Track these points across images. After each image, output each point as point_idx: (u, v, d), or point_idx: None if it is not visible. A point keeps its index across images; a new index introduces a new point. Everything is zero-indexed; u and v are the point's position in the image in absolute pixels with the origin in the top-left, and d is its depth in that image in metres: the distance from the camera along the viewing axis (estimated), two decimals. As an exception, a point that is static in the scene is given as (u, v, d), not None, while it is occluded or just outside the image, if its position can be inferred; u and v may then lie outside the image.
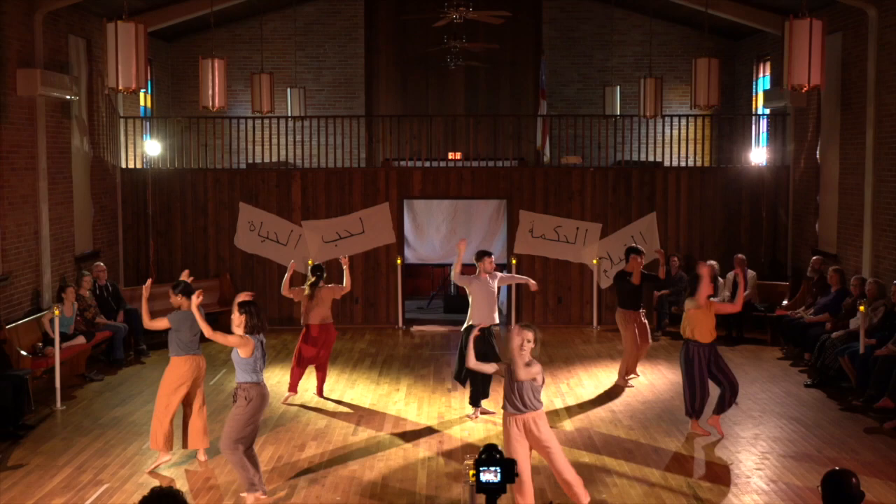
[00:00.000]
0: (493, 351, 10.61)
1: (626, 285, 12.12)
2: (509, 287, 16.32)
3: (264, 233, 16.30)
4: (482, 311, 10.59)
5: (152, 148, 16.89)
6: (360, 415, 10.85)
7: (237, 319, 7.96)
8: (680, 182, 16.47)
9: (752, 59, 18.47)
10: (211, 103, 12.94)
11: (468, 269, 11.05)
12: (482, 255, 10.77)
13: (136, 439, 9.82)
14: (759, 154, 17.22)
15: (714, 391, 9.91)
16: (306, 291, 11.40)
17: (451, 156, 17.83)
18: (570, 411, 10.95)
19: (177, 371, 9.01)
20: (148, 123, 17.55)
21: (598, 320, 16.16)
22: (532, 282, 11.29)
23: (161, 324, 9.22)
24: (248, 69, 18.23)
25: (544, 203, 16.35)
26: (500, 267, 16.61)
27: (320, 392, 11.64)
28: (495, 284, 10.74)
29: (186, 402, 9.14)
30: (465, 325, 10.73)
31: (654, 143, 17.50)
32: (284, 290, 11.41)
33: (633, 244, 13.66)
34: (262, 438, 9.84)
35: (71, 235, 14.15)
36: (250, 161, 18.01)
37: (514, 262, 16.16)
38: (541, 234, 16.28)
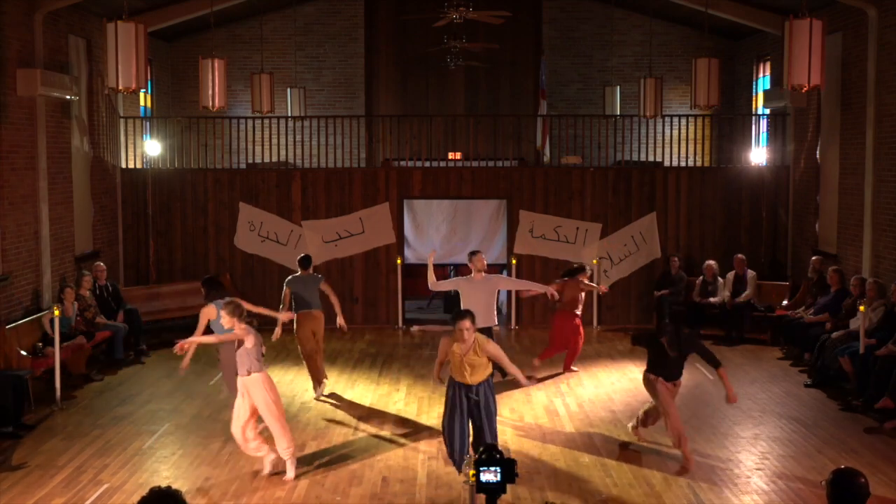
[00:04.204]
0: None
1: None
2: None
3: (264, 233, 16.30)
4: (477, 311, 10.49)
5: (152, 148, 16.89)
6: (360, 415, 10.85)
7: (228, 320, 8.50)
8: (680, 182, 16.47)
9: (752, 59, 18.47)
10: (211, 103, 12.94)
11: (465, 270, 11.07)
12: (472, 253, 10.88)
13: (136, 439, 9.82)
14: (759, 154, 17.22)
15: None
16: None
17: (451, 156, 17.82)
18: (570, 411, 10.95)
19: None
20: (148, 123, 17.54)
21: (598, 320, 16.15)
22: (551, 290, 11.17)
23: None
24: (248, 69, 18.22)
25: (544, 203, 16.34)
26: (500, 267, 16.68)
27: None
28: (490, 284, 10.75)
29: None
30: None
31: (654, 143, 17.49)
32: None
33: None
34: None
35: (71, 235, 14.14)
36: (250, 161, 18.00)
37: (514, 262, 16.16)
38: (541, 234, 16.28)
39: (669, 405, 9.07)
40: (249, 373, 8.53)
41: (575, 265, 13.46)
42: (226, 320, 8.56)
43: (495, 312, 10.77)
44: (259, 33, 18.21)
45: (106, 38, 10.07)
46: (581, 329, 12.86)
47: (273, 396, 8.66)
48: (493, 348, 8.40)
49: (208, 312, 9.89)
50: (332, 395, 11.71)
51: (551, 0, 19.73)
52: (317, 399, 11.54)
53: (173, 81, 19.43)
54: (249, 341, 8.48)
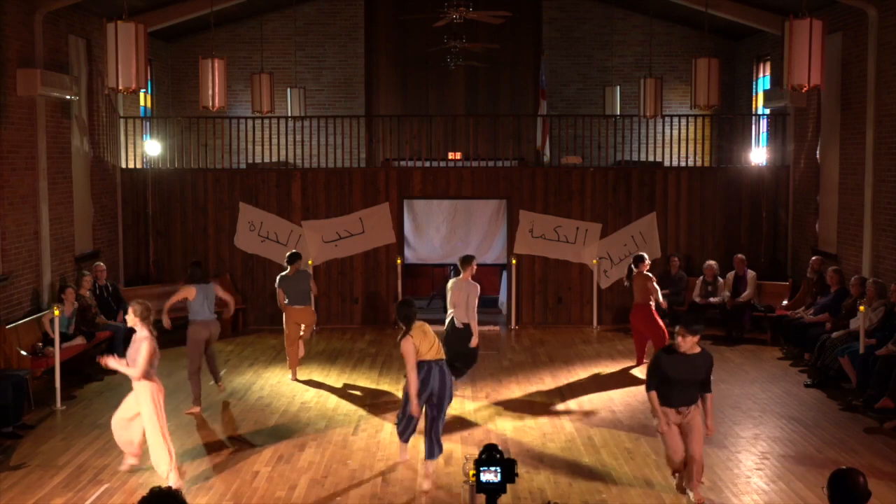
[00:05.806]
0: (467, 347, 11.44)
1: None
2: (508, 286, 16.34)
3: (264, 233, 16.30)
4: (459, 307, 11.44)
5: (152, 148, 16.89)
6: (360, 415, 10.85)
7: (134, 320, 8.53)
8: (680, 182, 16.47)
9: (752, 59, 18.47)
10: (211, 103, 12.93)
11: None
12: (469, 259, 11.52)
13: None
14: (759, 154, 17.23)
15: None
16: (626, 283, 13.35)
17: (451, 156, 17.82)
18: (570, 411, 10.95)
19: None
20: (148, 123, 17.55)
21: (598, 320, 16.15)
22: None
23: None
24: (248, 69, 18.22)
25: (544, 203, 16.34)
26: (500, 267, 16.72)
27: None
28: (471, 288, 11.44)
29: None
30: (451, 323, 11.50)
31: (654, 143, 17.50)
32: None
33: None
34: (261, 438, 9.86)
35: (71, 235, 14.14)
36: (250, 161, 18.00)
37: (514, 262, 16.16)
38: (541, 234, 16.28)
39: (665, 434, 7.85)
40: (144, 378, 8.32)
41: (632, 258, 13.29)
42: (132, 320, 8.47)
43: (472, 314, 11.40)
44: (259, 33, 18.21)
45: (106, 38, 10.06)
46: (657, 319, 12.68)
47: (158, 410, 8.41)
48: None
49: (187, 291, 10.92)
50: (333, 396, 11.71)
51: (551, 0, 19.73)
52: (292, 380, 12.43)
53: (173, 81, 19.43)
54: (149, 347, 8.30)
